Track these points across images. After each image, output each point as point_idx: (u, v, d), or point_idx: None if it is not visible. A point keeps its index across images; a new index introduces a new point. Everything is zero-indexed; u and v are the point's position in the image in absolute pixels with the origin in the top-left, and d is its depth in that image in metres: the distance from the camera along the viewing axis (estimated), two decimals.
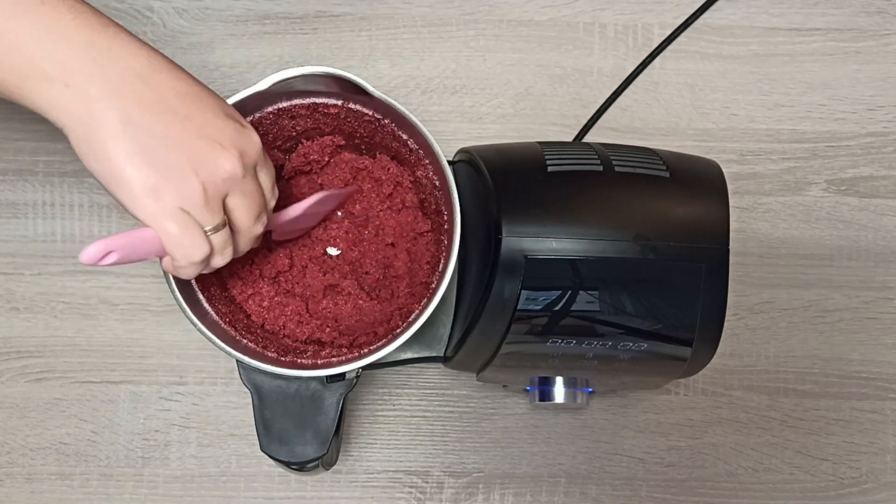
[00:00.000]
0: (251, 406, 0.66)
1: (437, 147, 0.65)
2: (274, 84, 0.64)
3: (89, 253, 0.51)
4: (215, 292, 0.67)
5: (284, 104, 0.67)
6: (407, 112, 0.65)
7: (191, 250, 0.54)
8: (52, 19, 0.51)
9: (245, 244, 0.58)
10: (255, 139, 0.56)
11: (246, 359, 0.63)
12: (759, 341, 0.82)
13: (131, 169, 0.51)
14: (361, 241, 0.72)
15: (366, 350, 0.67)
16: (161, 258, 0.56)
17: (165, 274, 0.63)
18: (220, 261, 0.57)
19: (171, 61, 0.55)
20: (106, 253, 0.52)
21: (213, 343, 0.63)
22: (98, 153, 0.51)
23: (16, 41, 0.50)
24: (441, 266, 0.68)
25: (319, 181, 0.72)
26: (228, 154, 0.54)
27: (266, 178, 0.58)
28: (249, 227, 0.57)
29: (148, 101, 0.52)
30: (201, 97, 0.55)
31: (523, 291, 0.62)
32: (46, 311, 0.80)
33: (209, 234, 0.54)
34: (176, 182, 0.52)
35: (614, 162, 0.64)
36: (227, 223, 0.56)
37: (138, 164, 0.51)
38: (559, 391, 0.72)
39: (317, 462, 0.66)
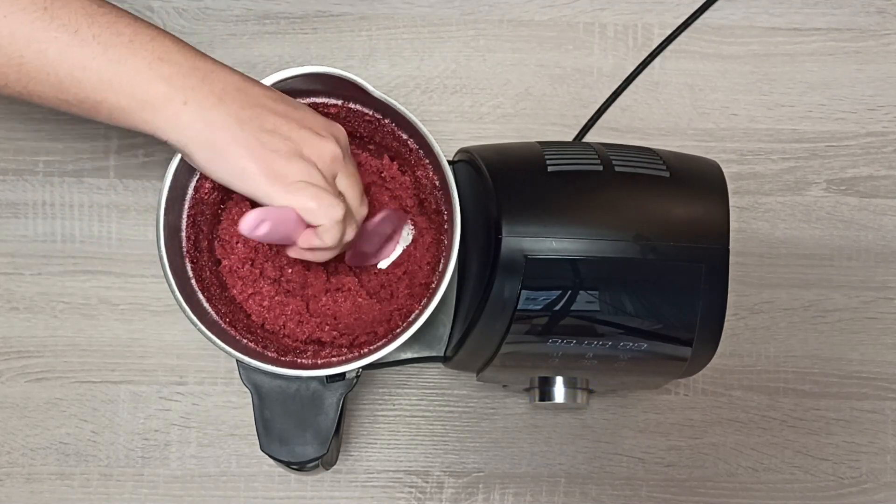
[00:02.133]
0: (251, 406, 0.66)
1: (437, 147, 0.65)
2: (274, 84, 0.64)
3: (248, 222, 0.56)
4: (215, 292, 0.67)
5: None
6: (407, 112, 0.65)
7: (331, 209, 0.58)
8: (162, 51, 0.57)
9: (353, 229, 0.62)
10: (342, 129, 0.63)
11: (246, 359, 0.63)
12: (759, 341, 0.82)
13: (258, 160, 0.57)
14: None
15: (366, 350, 0.67)
16: (288, 247, 0.61)
17: (165, 273, 0.63)
18: (350, 232, 0.62)
19: (256, 79, 0.61)
20: (260, 221, 0.56)
21: (213, 343, 0.63)
22: (224, 155, 0.57)
23: (136, 71, 0.56)
24: (441, 266, 0.68)
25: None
26: (328, 139, 0.60)
27: (355, 166, 0.64)
28: (357, 206, 0.63)
29: (252, 105, 0.58)
30: (290, 100, 0.62)
31: (523, 291, 0.62)
32: (46, 311, 0.80)
33: None
34: (295, 164, 0.58)
35: (614, 162, 0.64)
36: None
37: (262, 155, 0.57)
38: (559, 391, 0.72)
39: (317, 462, 0.66)
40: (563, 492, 0.80)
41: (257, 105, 0.58)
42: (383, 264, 0.71)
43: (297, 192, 0.58)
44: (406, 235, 0.71)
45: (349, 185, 0.62)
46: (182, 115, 0.57)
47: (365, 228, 0.66)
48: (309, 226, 0.59)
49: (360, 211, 0.63)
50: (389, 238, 0.71)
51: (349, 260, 0.69)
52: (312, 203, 0.58)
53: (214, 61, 0.59)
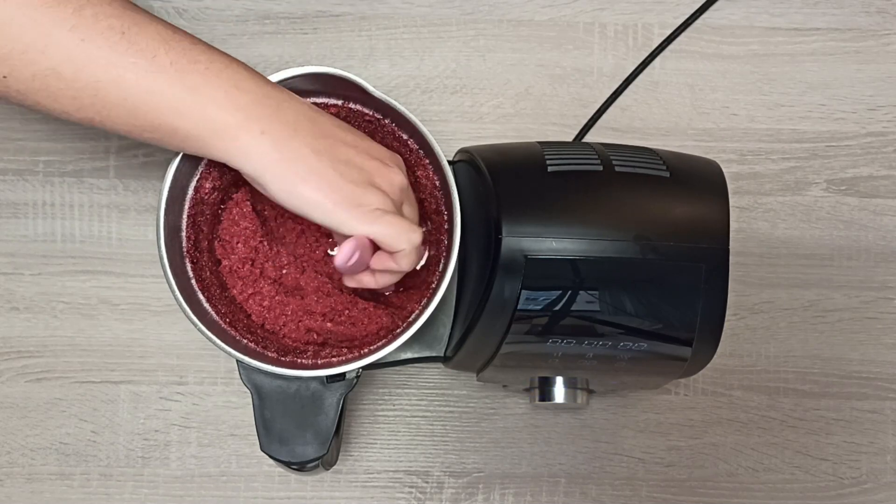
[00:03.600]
0: (251, 406, 0.66)
1: (437, 147, 0.65)
2: None
3: (344, 254, 0.58)
4: (215, 292, 0.67)
5: None
6: (407, 112, 0.65)
7: (412, 234, 0.59)
8: (237, 79, 0.58)
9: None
10: (401, 159, 0.64)
11: (246, 359, 0.63)
12: (759, 341, 0.82)
13: (335, 191, 0.58)
14: None
15: (366, 350, 0.67)
16: (347, 277, 0.64)
17: (165, 273, 0.63)
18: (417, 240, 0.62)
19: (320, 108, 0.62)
20: (354, 252, 0.58)
21: (213, 343, 0.63)
22: (300, 187, 0.57)
23: (211, 99, 0.56)
24: (441, 266, 0.68)
25: None
26: (396, 169, 0.61)
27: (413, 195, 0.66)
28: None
29: (324, 136, 0.59)
30: (355, 131, 0.62)
31: (523, 291, 0.62)
32: (46, 311, 0.80)
33: None
34: (371, 194, 0.59)
35: (614, 162, 0.64)
36: None
37: (339, 186, 0.58)
38: (559, 391, 0.72)
39: (317, 462, 0.66)
40: (563, 492, 0.80)
41: (329, 136, 0.59)
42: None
43: (377, 221, 0.58)
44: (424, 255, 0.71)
45: (412, 213, 0.64)
46: (259, 145, 0.57)
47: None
48: (379, 249, 0.60)
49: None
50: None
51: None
52: (392, 230, 0.59)
53: (283, 89, 0.60)
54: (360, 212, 0.58)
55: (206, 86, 0.56)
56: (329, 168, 0.58)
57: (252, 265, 0.69)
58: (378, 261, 0.61)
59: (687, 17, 0.84)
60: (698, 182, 0.65)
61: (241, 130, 0.57)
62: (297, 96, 0.61)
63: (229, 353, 0.63)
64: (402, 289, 0.71)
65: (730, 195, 0.65)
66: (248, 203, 0.67)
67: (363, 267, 0.61)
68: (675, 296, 0.63)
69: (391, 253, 0.60)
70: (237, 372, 0.66)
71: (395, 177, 0.61)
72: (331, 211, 0.58)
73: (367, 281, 0.63)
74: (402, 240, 0.59)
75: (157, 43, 0.56)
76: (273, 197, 0.59)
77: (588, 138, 0.83)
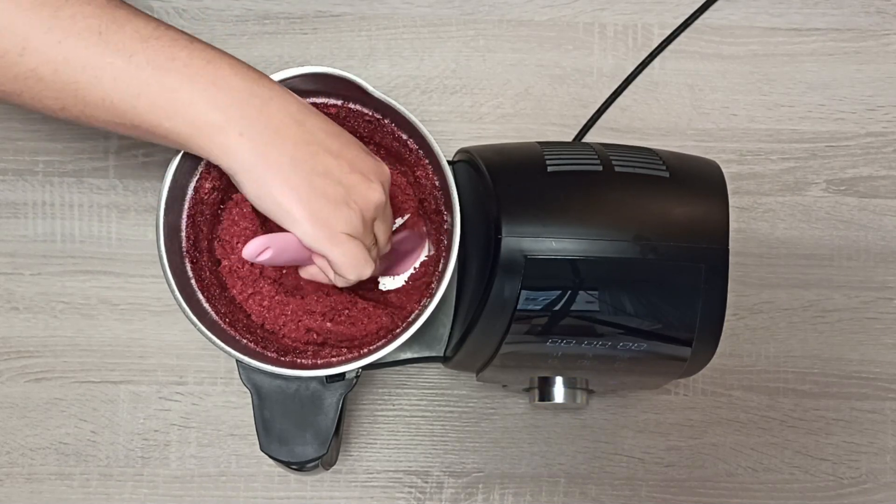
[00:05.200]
0: (251, 406, 0.66)
1: (437, 147, 0.65)
2: None
3: (252, 248, 0.58)
4: (215, 292, 0.67)
5: None
6: (407, 112, 0.65)
7: (363, 268, 0.60)
8: (218, 76, 0.56)
9: (371, 269, 0.62)
10: (387, 170, 0.63)
11: (246, 359, 0.63)
12: (759, 341, 0.82)
13: (305, 204, 0.57)
14: None
15: (366, 350, 0.67)
16: (301, 268, 0.63)
17: (165, 274, 0.63)
18: (367, 273, 0.61)
19: (311, 106, 0.61)
20: (263, 248, 0.58)
21: (213, 343, 0.63)
22: (273, 193, 0.57)
23: (191, 99, 0.56)
24: (441, 266, 0.68)
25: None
26: (376, 186, 0.60)
27: (390, 207, 0.65)
28: (383, 245, 0.64)
29: (308, 143, 0.58)
30: (344, 136, 0.61)
31: (523, 291, 0.62)
32: (46, 311, 0.80)
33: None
34: (342, 212, 0.58)
35: (614, 162, 0.64)
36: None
37: (310, 199, 0.57)
38: (559, 391, 0.72)
39: (317, 462, 0.66)
40: (562, 492, 0.80)
41: (313, 142, 0.58)
42: (391, 283, 0.71)
43: (338, 245, 0.58)
44: (423, 253, 0.71)
45: (383, 229, 0.63)
46: (237, 146, 0.56)
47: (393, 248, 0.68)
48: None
49: (384, 249, 0.65)
50: (405, 256, 0.71)
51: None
52: (347, 260, 0.59)
53: (272, 84, 0.59)
54: (324, 232, 0.58)
55: (183, 86, 0.55)
56: (304, 180, 0.57)
57: (252, 265, 0.69)
58: (310, 273, 0.63)
59: (687, 17, 0.84)
60: (698, 182, 0.65)
61: (220, 131, 0.56)
62: (290, 93, 0.59)
63: (229, 353, 0.63)
64: (403, 290, 0.71)
65: (729, 195, 0.65)
66: (248, 203, 0.67)
67: (292, 262, 0.61)
68: (675, 296, 0.63)
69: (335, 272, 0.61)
70: (237, 372, 0.66)
71: (372, 194, 0.60)
72: (297, 222, 0.57)
73: (315, 276, 0.63)
74: (352, 273, 0.60)
75: (134, 42, 0.55)
76: (246, 195, 0.58)
77: (588, 138, 0.83)
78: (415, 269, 0.71)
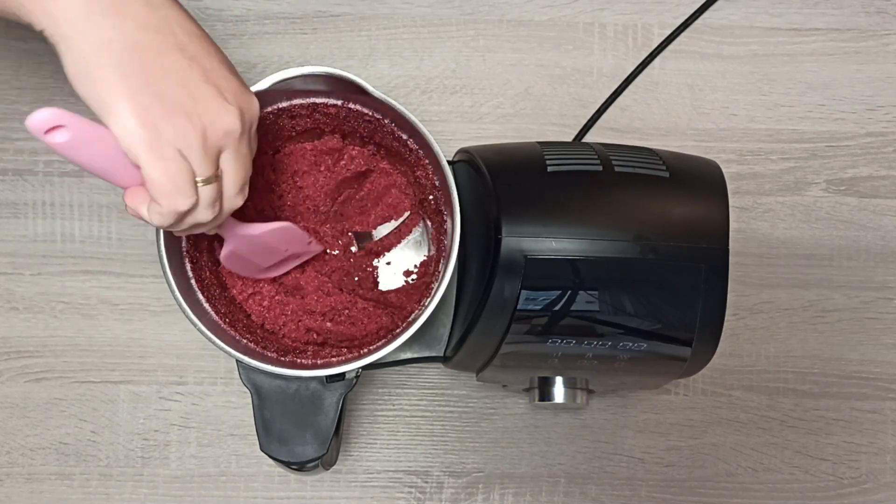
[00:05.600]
0: (251, 406, 0.66)
1: (437, 147, 0.65)
2: (274, 84, 0.64)
3: (39, 117, 0.46)
4: (215, 292, 0.68)
5: (284, 104, 0.67)
6: (407, 112, 0.65)
7: (176, 196, 0.50)
8: None
9: (210, 215, 0.53)
10: (256, 103, 0.54)
11: (246, 359, 0.63)
12: (759, 341, 0.82)
13: (132, 96, 0.47)
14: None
15: (366, 350, 0.67)
16: (124, 194, 0.52)
17: (165, 274, 0.63)
18: (203, 216, 0.53)
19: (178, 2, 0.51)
20: (55, 125, 0.47)
21: (213, 343, 0.63)
22: (94, 74, 0.47)
23: None
24: (441, 266, 0.68)
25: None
26: (231, 108, 0.51)
27: (252, 150, 0.55)
28: (233, 195, 0.54)
29: (157, 30, 0.49)
30: (207, 42, 0.52)
31: (523, 291, 0.62)
32: (46, 311, 0.80)
33: (199, 185, 0.51)
34: (177, 120, 0.49)
35: (614, 162, 0.64)
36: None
37: (142, 93, 0.48)
38: (559, 391, 0.72)
39: (317, 462, 0.66)
40: (562, 492, 0.80)
41: (164, 31, 0.49)
42: (391, 283, 0.70)
43: (159, 157, 0.48)
44: (418, 236, 0.71)
45: (233, 168, 0.53)
46: (67, 8, 0.47)
47: (249, 234, 0.62)
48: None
49: (234, 200, 0.55)
50: (287, 257, 0.67)
51: (225, 261, 0.65)
52: (165, 180, 0.49)
53: None
54: (147, 134, 0.48)
55: None
56: (140, 70, 0.47)
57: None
58: (132, 196, 0.51)
59: (687, 17, 0.84)
60: (698, 182, 0.65)
61: None
62: None
63: (229, 353, 0.63)
64: (403, 290, 0.71)
65: (729, 195, 0.65)
66: (249, 203, 0.67)
67: (100, 171, 0.50)
68: (675, 296, 0.63)
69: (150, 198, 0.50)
70: (237, 372, 0.66)
71: (224, 116, 0.50)
72: (116, 114, 0.47)
73: (143, 211, 0.52)
74: (166, 199, 0.50)
75: None
76: (66, 72, 0.48)
77: (588, 138, 0.83)
78: (415, 268, 0.71)
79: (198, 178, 0.51)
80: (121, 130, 0.48)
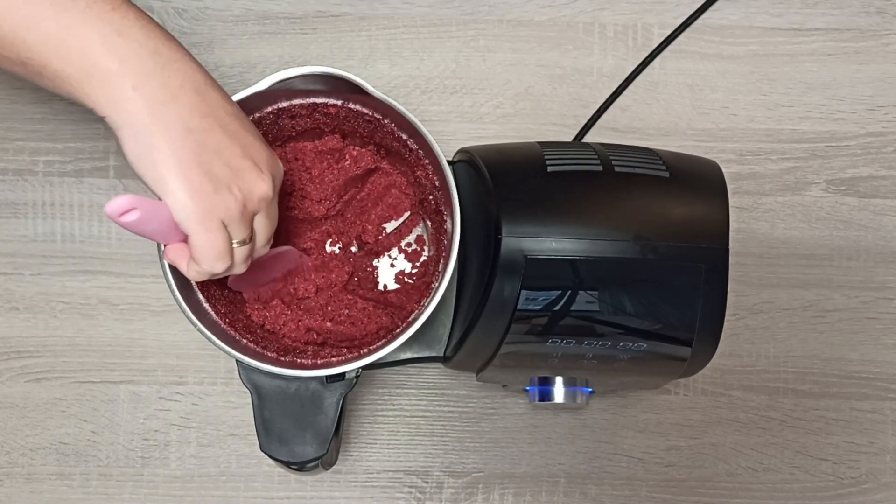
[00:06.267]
0: (251, 406, 0.66)
1: (437, 147, 0.65)
2: (274, 84, 0.64)
3: (117, 205, 0.53)
4: (215, 292, 0.67)
5: (284, 104, 0.67)
6: (407, 112, 0.65)
7: (216, 262, 0.56)
8: (122, 25, 0.53)
9: (241, 268, 0.60)
10: (281, 165, 0.60)
11: (246, 359, 0.63)
12: (759, 341, 0.82)
13: (185, 176, 0.53)
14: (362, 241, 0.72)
15: (366, 350, 0.67)
16: (165, 248, 0.58)
17: (165, 274, 0.63)
18: (236, 271, 0.59)
19: (217, 83, 0.57)
20: (129, 208, 0.53)
21: (213, 343, 0.63)
22: (154, 156, 0.53)
23: (88, 41, 0.52)
24: (441, 266, 0.68)
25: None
26: (266, 177, 0.57)
27: (276, 207, 0.61)
28: (262, 247, 0.60)
29: (204, 115, 0.55)
30: (244, 119, 0.58)
31: (523, 291, 0.62)
32: (46, 311, 0.80)
33: (235, 246, 0.57)
34: (222, 193, 0.55)
35: (614, 162, 0.64)
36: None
37: (193, 171, 0.53)
38: (559, 391, 0.72)
39: (317, 462, 0.66)
40: (562, 492, 0.80)
41: (210, 115, 0.55)
42: (391, 283, 0.70)
43: (205, 230, 0.55)
44: (418, 230, 0.71)
45: (264, 226, 0.59)
46: (127, 99, 0.52)
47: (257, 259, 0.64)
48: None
49: (260, 251, 0.61)
50: (282, 275, 0.69)
51: (231, 283, 0.68)
52: (207, 248, 0.55)
53: (180, 48, 0.55)
54: (199, 210, 0.54)
55: (82, 26, 0.51)
56: (192, 152, 0.53)
57: None
58: (174, 253, 0.58)
59: (687, 17, 0.84)
60: (698, 182, 0.65)
61: (112, 80, 0.52)
62: (197, 62, 0.56)
63: (229, 353, 0.63)
64: (403, 290, 0.71)
65: (729, 195, 0.65)
66: None
67: (155, 235, 0.56)
68: (675, 296, 0.63)
69: (191, 257, 0.57)
70: (237, 372, 0.66)
71: (260, 185, 0.57)
72: (172, 192, 0.53)
73: (182, 266, 0.58)
74: (206, 263, 0.56)
75: None
76: (124, 155, 0.54)
77: (588, 138, 0.83)
78: (416, 268, 0.71)
79: (234, 242, 0.57)
80: (175, 204, 0.54)
